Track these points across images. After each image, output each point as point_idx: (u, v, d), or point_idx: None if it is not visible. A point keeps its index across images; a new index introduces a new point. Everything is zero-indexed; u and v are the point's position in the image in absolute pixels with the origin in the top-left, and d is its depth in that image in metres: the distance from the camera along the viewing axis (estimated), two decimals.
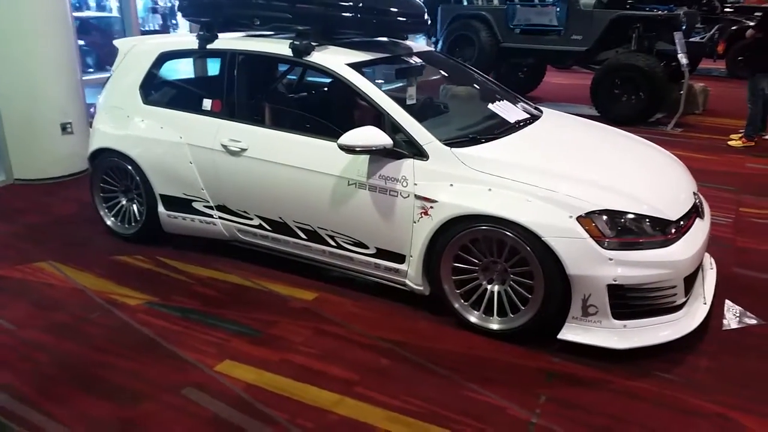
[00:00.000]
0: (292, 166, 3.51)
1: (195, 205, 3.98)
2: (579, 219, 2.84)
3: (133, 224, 4.27)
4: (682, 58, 7.66)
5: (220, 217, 3.92)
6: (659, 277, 2.86)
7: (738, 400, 2.67)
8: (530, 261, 2.91)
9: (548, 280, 2.88)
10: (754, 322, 3.29)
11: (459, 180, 3.08)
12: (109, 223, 4.35)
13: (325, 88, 4.56)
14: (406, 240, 3.25)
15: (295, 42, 3.58)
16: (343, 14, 3.61)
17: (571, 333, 2.93)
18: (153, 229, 4.19)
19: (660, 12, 8.05)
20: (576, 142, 3.70)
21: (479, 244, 3.06)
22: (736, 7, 12.41)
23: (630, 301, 2.88)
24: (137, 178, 4.09)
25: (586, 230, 2.83)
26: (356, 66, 3.51)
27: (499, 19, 9.27)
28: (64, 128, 5.66)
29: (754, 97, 6.92)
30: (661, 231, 2.93)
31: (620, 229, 2.87)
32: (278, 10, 3.74)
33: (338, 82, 3.54)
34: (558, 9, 8.63)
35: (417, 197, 3.15)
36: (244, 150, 3.65)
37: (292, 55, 3.63)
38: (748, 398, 2.69)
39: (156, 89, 4.26)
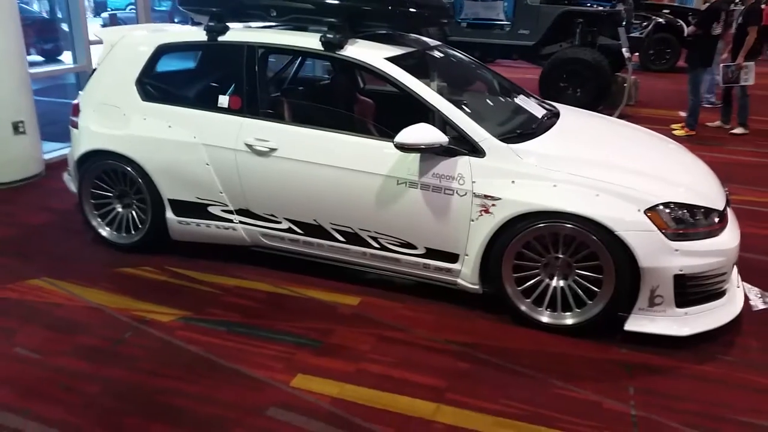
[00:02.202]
0: (331, 166, 3.34)
1: (211, 209, 3.70)
2: (646, 212, 2.91)
3: (133, 233, 3.91)
4: (626, 52, 8.08)
5: (241, 222, 3.67)
6: (717, 265, 3.00)
7: None
8: (600, 255, 2.95)
9: (619, 273, 2.93)
10: None
11: (520, 176, 3.07)
12: (104, 233, 3.96)
13: (360, 85, 4.39)
14: (461, 239, 3.19)
15: (328, 35, 3.40)
16: (375, 6, 3.47)
17: (637, 324, 3.01)
18: (158, 238, 3.86)
19: (603, 8, 8.44)
20: (611, 136, 3.80)
21: (543, 240, 3.06)
22: (648, 4, 13.23)
23: (689, 290, 2.99)
24: (140, 182, 3.75)
25: (653, 223, 2.90)
26: (395, 60, 3.40)
27: None
28: (16, 128, 5.10)
29: (694, 90, 7.42)
30: (712, 221, 3.07)
31: (681, 221, 2.97)
32: (300, 0, 3.54)
33: (378, 77, 3.40)
34: (505, 4, 8.83)
35: (476, 195, 3.10)
36: (273, 150, 3.44)
37: (323, 49, 3.45)
38: None
39: (157, 85, 3.91)
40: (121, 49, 3.95)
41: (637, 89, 9.87)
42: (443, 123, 3.20)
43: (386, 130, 3.32)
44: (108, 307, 3.30)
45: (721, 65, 7.33)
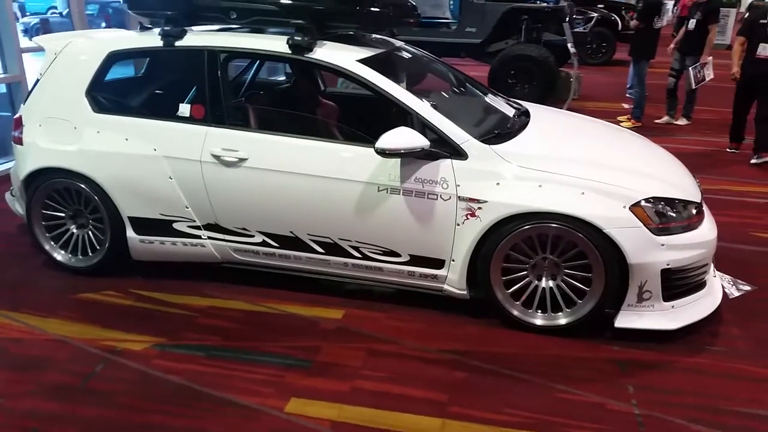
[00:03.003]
0: (307, 175, 3.19)
1: (177, 226, 3.49)
2: (631, 208, 2.91)
3: (91, 255, 3.64)
4: (571, 47, 8.22)
5: (209, 237, 3.47)
6: (700, 257, 3.04)
7: None
8: (589, 253, 2.93)
9: (608, 270, 2.92)
10: (749, 288, 3.61)
11: (505, 178, 3.01)
12: (59, 257, 3.67)
13: (322, 87, 4.23)
14: (447, 244, 3.11)
15: (296, 38, 3.25)
16: (342, 7, 3.35)
17: (626, 320, 3.01)
18: (118, 259, 3.61)
19: (547, 5, 8.56)
20: (582, 133, 3.80)
21: (530, 241, 3.01)
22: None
23: (675, 283, 3.01)
24: (96, 200, 3.49)
25: (638, 218, 2.90)
26: (367, 62, 3.28)
27: None
28: None
29: (640, 82, 7.62)
30: (690, 213, 3.10)
31: (662, 215, 2.98)
32: (263, 2, 3.37)
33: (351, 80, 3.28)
34: (451, 2, 8.83)
35: (461, 199, 3.02)
36: (243, 160, 3.26)
37: (290, 52, 3.29)
38: None
39: (109, 95, 3.65)
40: (67, 58, 3.66)
41: (580, 83, 10.07)
42: (422, 126, 3.10)
43: (362, 135, 3.20)
44: (72, 338, 3.04)
45: (690, 68, 7.36)
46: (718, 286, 3.35)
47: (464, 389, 2.69)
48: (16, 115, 3.78)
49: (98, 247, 3.63)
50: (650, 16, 7.34)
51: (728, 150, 6.62)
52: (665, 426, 2.48)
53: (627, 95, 9.58)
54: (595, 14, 10.29)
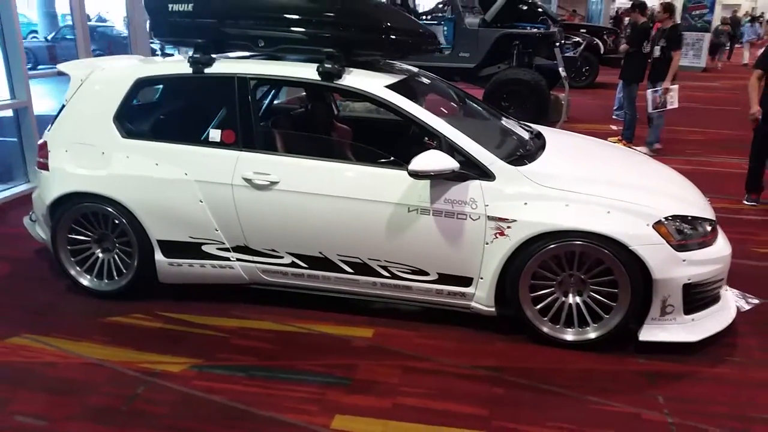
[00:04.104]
0: (338, 197, 3.28)
1: (206, 248, 3.54)
2: (654, 226, 3.04)
3: (116, 278, 3.67)
4: (562, 71, 8.48)
5: (238, 259, 3.53)
6: (717, 271, 3.18)
7: None
8: (615, 270, 3.05)
9: (634, 286, 3.03)
10: (757, 301, 3.76)
11: (532, 198, 3.13)
12: (85, 282, 3.68)
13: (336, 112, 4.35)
14: (476, 262, 3.21)
15: (326, 65, 3.36)
16: (368, 36, 3.47)
17: (650, 333, 3.12)
18: (145, 282, 3.64)
19: (538, 30, 8.83)
20: (595, 153, 3.95)
21: (558, 258, 3.13)
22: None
23: (694, 297, 3.14)
24: (125, 223, 3.53)
25: (661, 236, 3.03)
26: (394, 88, 3.39)
27: None
28: None
29: (630, 104, 7.87)
30: (706, 230, 3.24)
31: (682, 232, 3.12)
32: (292, 31, 3.47)
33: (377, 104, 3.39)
34: (445, 28, 9.06)
35: (490, 218, 3.13)
36: (274, 183, 3.33)
37: (320, 79, 3.40)
38: None
39: (137, 121, 3.71)
40: (94, 85, 3.72)
41: (568, 106, 10.36)
42: (450, 149, 3.22)
43: (391, 158, 3.31)
44: (108, 361, 3.06)
45: (648, 91, 7.50)
46: (731, 300, 3.49)
47: (503, 404, 2.77)
48: (40, 141, 3.81)
49: (124, 271, 3.65)
50: (639, 41, 7.62)
51: (746, 203, 5.70)
52: None
53: (614, 117, 9.87)
54: (583, 39, 10.60)
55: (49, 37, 19.69)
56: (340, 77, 3.38)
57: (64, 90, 3.81)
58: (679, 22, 18.51)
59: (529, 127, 4.17)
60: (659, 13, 7.68)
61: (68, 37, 19.83)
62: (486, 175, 3.18)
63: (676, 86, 7.45)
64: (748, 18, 26.33)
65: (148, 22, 3.80)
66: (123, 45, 18.19)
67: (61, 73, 3.95)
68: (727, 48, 22.09)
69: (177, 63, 3.67)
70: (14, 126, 5.78)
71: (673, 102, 7.44)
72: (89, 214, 3.62)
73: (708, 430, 2.60)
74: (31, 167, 5.93)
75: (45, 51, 17.40)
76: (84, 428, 2.58)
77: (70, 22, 20.76)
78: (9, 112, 5.79)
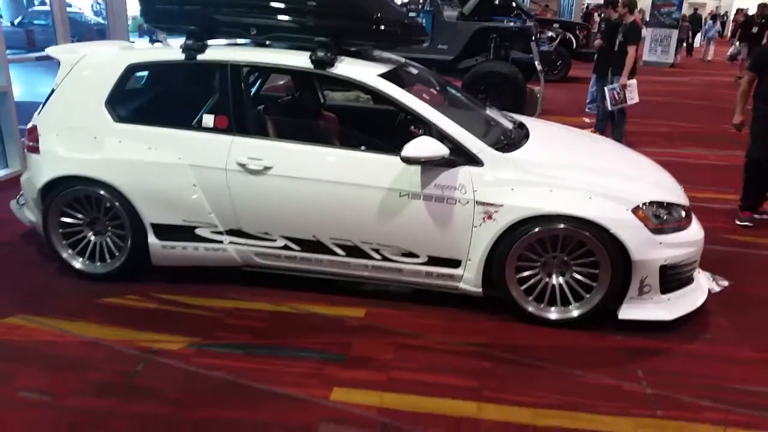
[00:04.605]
0: (331, 182, 3.37)
1: (199, 231, 3.60)
2: (633, 210, 3.21)
3: (109, 261, 3.71)
4: (538, 65, 8.67)
5: (231, 242, 3.60)
6: (691, 254, 3.37)
7: None
8: (597, 252, 3.21)
9: (614, 266, 3.20)
10: (727, 283, 3.97)
11: (518, 184, 3.27)
12: (77, 265, 3.72)
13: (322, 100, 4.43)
14: (464, 245, 3.34)
15: (318, 53, 3.44)
16: (360, 25, 3.56)
17: (629, 312, 3.30)
18: (138, 264, 3.69)
19: (515, 24, 9.00)
20: (576, 142, 4.11)
21: (542, 241, 3.28)
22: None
23: (670, 278, 3.32)
24: (118, 207, 3.57)
25: (639, 220, 3.21)
26: (386, 77, 3.50)
27: None
28: None
29: (602, 97, 8.09)
30: (681, 215, 3.43)
31: (660, 216, 3.30)
32: (285, 19, 3.55)
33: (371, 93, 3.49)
34: (424, 21, 9.16)
35: (478, 203, 3.26)
36: (268, 168, 3.41)
37: (313, 67, 3.48)
38: None
39: (130, 105, 3.74)
40: (85, 70, 3.74)
41: (542, 99, 10.59)
42: (440, 136, 3.33)
43: (382, 144, 3.42)
44: (105, 339, 3.12)
45: (606, 88, 7.58)
46: (704, 282, 3.69)
47: (493, 377, 2.91)
48: (30, 125, 3.82)
49: (117, 254, 3.70)
50: (614, 36, 7.82)
51: (739, 223, 5.10)
52: (675, 403, 2.76)
53: (586, 110, 10.12)
54: (557, 34, 10.83)
55: (15, 22, 19.21)
56: (332, 66, 3.47)
57: (38, 76, 3.83)
58: (648, 18, 18.97)
59: (512, 116, 4.32)
60: (619, 8, 7.77)
61: (35, 22, 19.43)
62: (474, 161, 3.31)
63: (634, 81, 7.44)
64: (711, 15, 27.12)
65: (138, 9, 3.80)
66: (95, 32, 17.89)
67: (43, 58, 3.95)
68: (685, 45, 22.75)
69: (169, 49, 3.71)
70: None
71: (633, 97, 7.42)
72: (81, 198, 3.65)
73: (683, 400, 2.78)
74: (10, 153, 5.88)
75: (12, 36, 17.02)
76: (88, 402, 2.65)
77: (37, 8, 20.20)
78: None
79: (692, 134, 8.91)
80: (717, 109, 11.28)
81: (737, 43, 14.69)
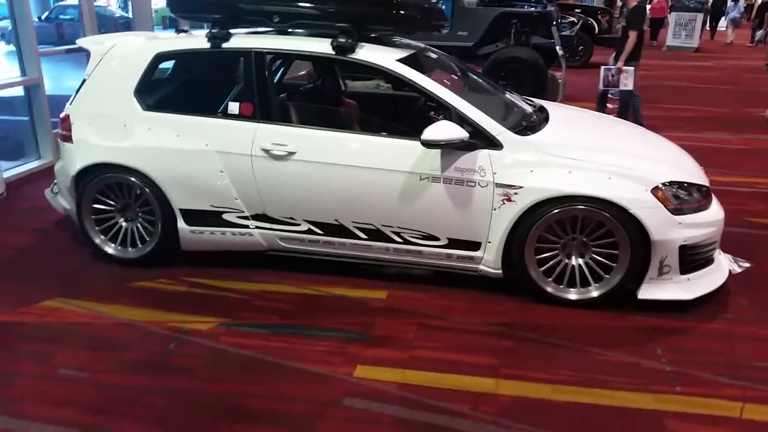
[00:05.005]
0: (354, 166, 3.45)
1: (226, 216, 3.71)
2: (652, 191, 3.24)
3: (140, 246, 3.84)
4: (559, 50, 8.63)
5: (257, 227, 3.71)
6: (711, 234, 3.38)
7: None
8: (616, 232, 3.24)
9: (634, 247, 3.24)
10: (748, 265, 3.97)
11: (538, 165, 3.31)
12: (109, 251, 3.86)
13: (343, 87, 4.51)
14: (484, 227, 3.40)
15: (340, 39, 3.51)
16: (381, 11, 3.62)
17: (649, 292, 3.33)
18: (168, 249, 3.81)
19: (535, 9, 8.96)
20: (596, 125, 4.13)
21: (561, 222, 3.32)
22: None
23: (690, 258, 3.35)
24: (148, 193, 3.69)
25: (659, 200, 3.23)
26: (405, 61, 3.56)
27: None
28: None
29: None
30: (701, 195, 3.44)
31: (679, 197, 3.32)
32: (307, 6, 3.62)
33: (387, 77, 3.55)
34: (444, 7, 9.16)
35: (498, 185, 3.31)
36: (292, 153, 3.50)
37: (334, 53, 3.55)
38: None
39: (158, 94, 3.86)
40: (114, 59, 3.86)
41: (564, 84, 10.53)
42: (459, 119, 3.39)
43: (402, 129, 3.48)
44: (139, 321, 3.25)
45: (602, 68, 7.55)
46: (724, 263, 3.70)
47: (512, 355, 2.98)
48: (62, 114, 3.95)
49: (147, 239, 3.82)
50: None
51: None
52: (694, 379, 2.80)
53: (610, 95, 10.04)
54: (578, 19, 10.75)
55: (42, 17, 19.59)
56: (353, 51, 3.54)
57: (67, 70, 3.96)
58: (671, 2, 18.58)
59: (532, 101, 4.35)
60: None
61: (61, 16, 19.80)
62: (494, 144, 3.36)
63: (631, 68, 7.34)
64: None
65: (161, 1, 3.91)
66: (120, 25, 18.20)
67: (74, 50, 4.07)
68: (708, 27, 22.32)
69: (194, 38, 3.81)
70: (25, 104, 5.89)
71: (626, 84, 7.32)
72: (113, 185, 3.78)
73: (703, 376, 2.82)
74: (42, 144, 6.06)
75: (41, 31, 17.41)
76: (123, 379, 2.77)
77: (62, 2, 20.56)
78: (20, 91, 5.90)
79: (716, 119, 8.82)
80: (742, 93, 11.12)
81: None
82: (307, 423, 2.49)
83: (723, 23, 24.41)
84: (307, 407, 2.59)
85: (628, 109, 7.76)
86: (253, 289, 3.59)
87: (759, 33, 17.19)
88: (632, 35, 7.29)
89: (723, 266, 3.64)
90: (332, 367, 2.86)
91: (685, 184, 3.38)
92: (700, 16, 18.24)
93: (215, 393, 2.68)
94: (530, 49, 8.88)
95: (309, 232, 3.65)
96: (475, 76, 4.42)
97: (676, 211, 3.26)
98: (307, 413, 2.55)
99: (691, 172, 3.57)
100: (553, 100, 8.78)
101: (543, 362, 2.92)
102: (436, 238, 3.50)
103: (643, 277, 3.33)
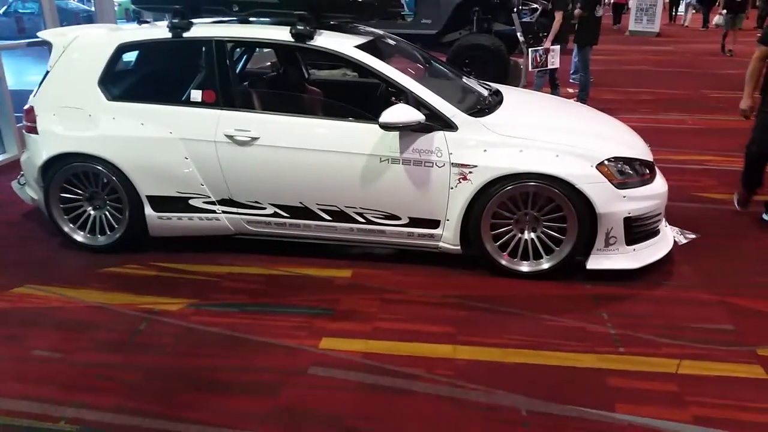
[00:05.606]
0: (316, 150, 3.58)
1: (193, 202, 3.81)
2: (597, 167, 3.44)
3: (109, 233, 3.92)
4: (520, 36, 8.82)
5: (224, 211, 3.82)
6: (654, 207, 3.60)
7: (726, 289, 3.50)
8: (564, 207, 3.44)
9: (581, 220, 3.43)
10: (693, 236, 4.22)
11: (491, 145, 3.48)
12: (79, 238, 3.94)
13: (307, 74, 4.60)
14: (442, 206, 3.57)
15: (298, 27, 3.63)
16: None
17: (596, 262, 3.54)
18: (136, 235, 3.90)
19: None
20: (547, 106, 4.32)
21: (514, 199, 3.50)
22: None
23: (635, 229, 3.56)
24: (115, 181, 3.78)
25: (603, 175, 3.43)
26: (363, 48, 3.69)
27: None
28: None
29: (584, 67, 8.28)
30: (645, 170, 3.65)
31: (624, 172, 3.52)
32: None
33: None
34: None
35: (454, 165, 3.48)
36: (255, 139, 3.62)
37: (293, 40, 3.67)
38: (731, 286, 3.54)
39: (122, 84, 3.94)
40: (76, 51, 3.92)
41: (526, 70, 10.74)
42: (416, 103, 3.54)
43: (362, 113, 3.62)
44: (109, 304, 3.35)
45: (529, 50, 8.09)
46: (669, 234, 3.93)
47: (468, 323, 3.16)
48: (26, 106, 4.00)
49: (116, 226, 3.91)
50: (592, 5, 7.99)
51: (739, 208, 4.66)
52: (636, 340, 3.01)
53: (570, 80, 10.29)
54: (539, 5, 10.94)
55: (1, 11, 19.19)
56: (312, 38, 3.66)
57: (28, 65, 4.01)
58: None
59: (488, 85, 4.52)
60: None
61: (21, 10, 19.42)
62: (449, 126, 3.52)
63: (557, 47, 7.99)
64: None
65: None
66: (82, 18, 17.89)
67: (35, 43, 4.12)
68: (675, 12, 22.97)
69: (156, 29, 3.89)
70: None
71: (554, 62, 7.98)
72: (80, 174, 3.85)
73: (644, 338, 3.03)
74: (6, 138, 6.06)
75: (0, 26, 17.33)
76: (96, 357, 2.88)
77: None
78: None
79: (675, 101, 9.12)
80: (699, 75, 11.49)
81: (724, 12, 14.75)
82: (273, 390, 2.64)
83: (681, 7, 25.02)
84: (273, 377, 2.73)
85: (581, 88, 8.18)
86: (222, 272, 3.71)
87: (716, 18, 17.65)
88: (558, 16, 7.96)
89: (668, 237, 3.87)
90: (298, 340, 3.00)
91: (630, 160, 3.58)
92: (660, 1, 18.65)
93: (186, 367, 2.81)
94: (492, 36, 9.05)
95: (274, 215, 3.77)
96: (433, 62, 4.57)
97: (621, 186, 3.46)
98: (273, 382, 2.69)
99: (636, 148, 3.78)
100: (516, 86, 9.02)
101: (497, 329, 3.10)
102: (398, 218, 3.66)
103: (591, 249, 3.53)
